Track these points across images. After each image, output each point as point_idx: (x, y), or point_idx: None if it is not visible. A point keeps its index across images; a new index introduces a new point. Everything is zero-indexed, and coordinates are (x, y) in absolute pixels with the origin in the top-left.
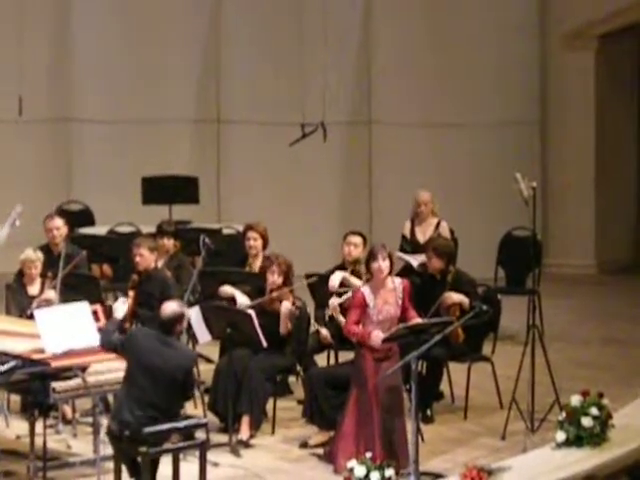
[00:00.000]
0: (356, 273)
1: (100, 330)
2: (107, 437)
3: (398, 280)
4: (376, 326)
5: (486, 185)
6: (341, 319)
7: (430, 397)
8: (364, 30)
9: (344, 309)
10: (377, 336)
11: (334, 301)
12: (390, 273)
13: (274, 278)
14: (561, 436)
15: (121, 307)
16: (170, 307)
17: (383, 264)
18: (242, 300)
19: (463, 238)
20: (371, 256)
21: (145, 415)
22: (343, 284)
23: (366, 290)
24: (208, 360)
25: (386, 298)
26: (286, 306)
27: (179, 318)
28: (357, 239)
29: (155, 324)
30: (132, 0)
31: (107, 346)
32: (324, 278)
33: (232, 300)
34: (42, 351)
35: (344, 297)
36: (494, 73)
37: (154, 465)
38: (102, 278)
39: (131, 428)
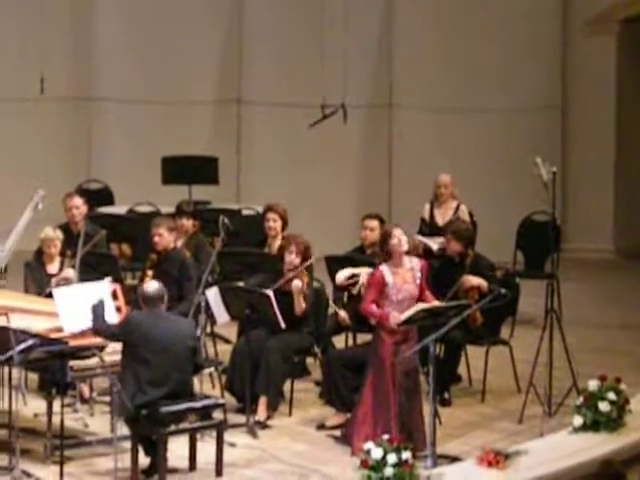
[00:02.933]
0: (375, 255)
1: (93, 315)
2: (122, 420)
3: (415, 260)
4: (395, 305)
5: (507, 169)
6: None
7: (448, 380)
8: (386, 12)
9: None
10: (395, 317)
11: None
12: (408, 253)
13: (291, 258)
14: (578, 420)
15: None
16: (152, 285)
17: (402, 238)
18: None
19: (482, 221)
20: (386, 235)
21: (161, 394)
22: (351, 277)
23: (385, 269)
24: (226, 341)
25: (405, 277)
26: (296, 284)
27: (162, 296)
28: (374, 223)
29: (152, 302)
30: None
31: (104, 334)
32: (343, 260)
33: None
34: (60, 330)
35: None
36: (517, 57)
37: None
38: (121, 257)
39: (148, 408)
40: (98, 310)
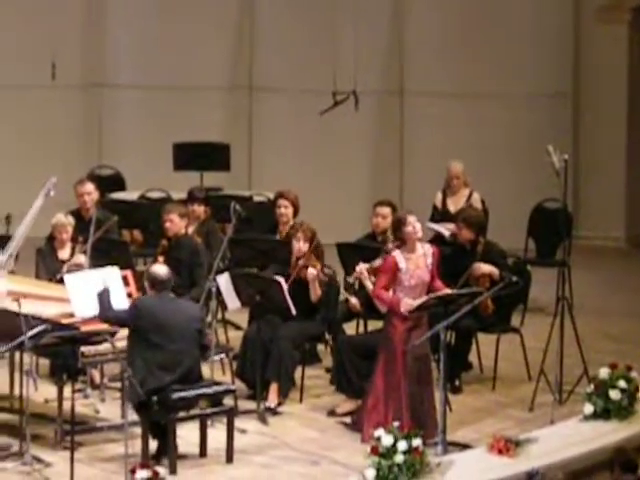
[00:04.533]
0: (386, 242)
1: (99, 303)
2: (131, 406)
3: (427, 245)
4: (408, 291)
5: (518, 156)
6: (368, 284)
7: (459, 367)
8: None
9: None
10: (407, 303)
11: (362, 265)
12: (420, 239)
13: (300, 245)
14: (589, 408)
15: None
16: (162, 268)
17: (417, 225)
18: None
19: (494, 209)
20: (400, 222)
21: (173, 378)
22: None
23: (397, 254)
24: (237, 327)
25: (417, 263)
26: (311, 272)
27: (171, 280)
28: (386, 210)
29: (161, 285)
30: None
31: (112, 321)
32: (354, 247)
33: None
34: (71, 315)
35: (373, 263)
36: (528, 44)
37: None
38: (132, 243)
39: (159, 394)
40: (104, 298)
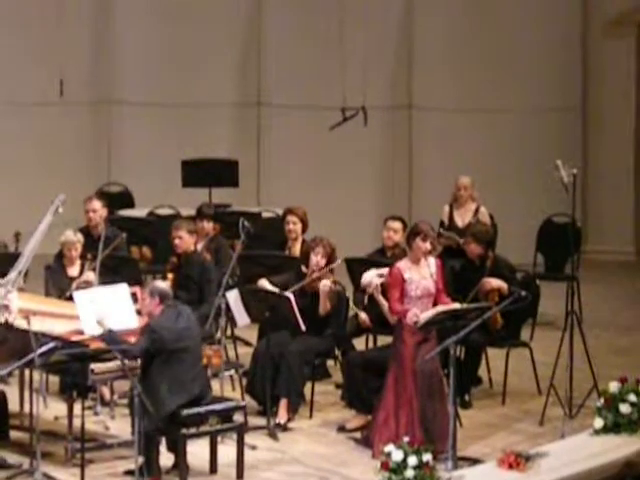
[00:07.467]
0: (395, 258)
1: (113, 345)
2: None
3: (430, 257)
4: (415, 301)
5: (526, 171)
6: (381, 299)
7: (468, 382)
8: (405, 14)
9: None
10: (412, 315)
11: (376, 280)
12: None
13: (317, 259)
14: (599, 422)
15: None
16: (160, 282)
17: (430, 247)
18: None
19: (503, 224)
20: (421, 233)
21: (196, 390)
22: (380, 276)
23: (402, 265)
24: (247, 343)
25: (422, 273)
26: (325, 284)
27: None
28: (397, 224)
29: (169, 298)
30: None
31: (134, 354)
32: (364, 262)
33: None
34: (81, 332)
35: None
36: (536, 58)
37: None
38: (141, 260)
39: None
40: (112, 338)
